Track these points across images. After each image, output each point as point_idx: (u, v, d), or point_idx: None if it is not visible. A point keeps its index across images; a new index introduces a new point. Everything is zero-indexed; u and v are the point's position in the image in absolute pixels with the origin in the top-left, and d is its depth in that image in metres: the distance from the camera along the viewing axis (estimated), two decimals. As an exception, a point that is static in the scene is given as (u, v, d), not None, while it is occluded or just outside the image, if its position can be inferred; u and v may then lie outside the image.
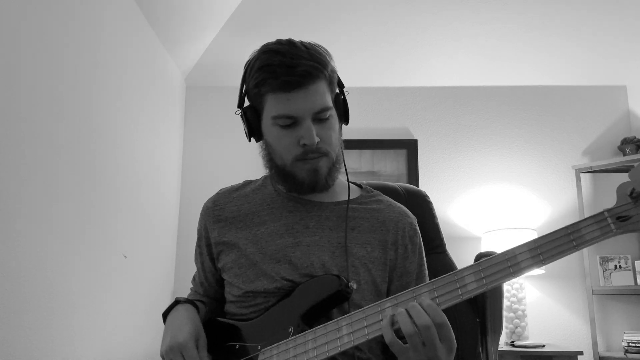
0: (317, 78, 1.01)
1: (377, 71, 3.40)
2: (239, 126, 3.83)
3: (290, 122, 1.03)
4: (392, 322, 0.88)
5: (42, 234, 1.80)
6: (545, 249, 0.84)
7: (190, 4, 2.85)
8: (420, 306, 0.86)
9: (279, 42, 1.04)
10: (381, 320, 0.89)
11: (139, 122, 2.66)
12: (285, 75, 0.99)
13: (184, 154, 3.40)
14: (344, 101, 1.10)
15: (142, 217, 2.67)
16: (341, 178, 1.17)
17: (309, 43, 1.06)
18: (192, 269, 1.32)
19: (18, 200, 1.67)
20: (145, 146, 2.74)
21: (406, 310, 0.86)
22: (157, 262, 2.91)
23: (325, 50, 1.07)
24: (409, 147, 3.38)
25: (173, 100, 3.25)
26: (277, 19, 3.12)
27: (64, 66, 1.95)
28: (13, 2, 1.65)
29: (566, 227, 0.84)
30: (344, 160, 1.11)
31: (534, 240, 0.86)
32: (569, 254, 0.83)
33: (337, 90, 1.10)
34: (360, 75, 3.40)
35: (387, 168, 3.36)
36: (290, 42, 1.04)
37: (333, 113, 1.06)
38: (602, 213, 0.82)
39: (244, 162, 3.33)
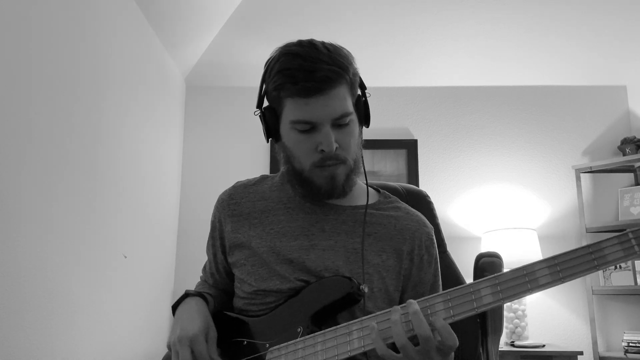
0: (337, 83, 0.99)
1: (377, 71, 3.40)
2: (239, 126, 3.80)
3: (309, 128, 1.00)
4: (384, 338, 0.88)
5: (42, 234, 1.80)
6: (565, 267, 0.82)
7: (190, 4, 2.85)
8: (432, 328, 0.85)
9: (299, 44, 1.02)
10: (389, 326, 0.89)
11: (139, 122, 2.66)
12: (304, 80, 0.97)
13: (184, 154, 3.40)
14: (365, 104, 1.08)
15: (142, 217, 2.66)
16: (360, 182, 1.16)
17: (331, 45, 1.03)
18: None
19: (18, 200, 1.67)
20: (145, 146, 2.74)
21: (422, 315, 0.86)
22: (157, 262, 2.91)
23: (348, 52, 1.05)
24: (409, 147, 3.38)
25: (173, 100, 3.25)
26: (277, 19, 3.12)
27: (63, 66, 1.95)
28: (13, 2, 1.65)
29: (588, 246, 0.82)
30: (363, 164, 1.09)
31: (554, 257, 0.84)
32: (590, 273, 0.81)
33: (360, 92, 1.08)
34: (360, 75, 3.39)
35: (387, 168, 3.36)
36: (311, 44, 1.01)
37: (353, 118, 1.04)
38: (626, 234, 0.80)
39: (244, 162, 3.34)
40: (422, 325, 0.84)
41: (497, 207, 3.29)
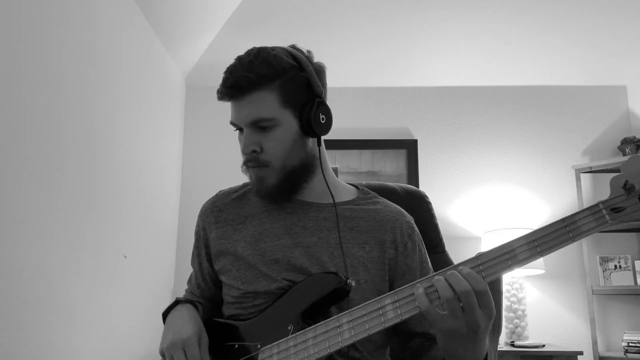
0: (251, 89, 1.02)
1: (377, 71, 3.40)
2: (239, 126, 3.74)
3: (238, 128, 1.08)
4: (426, 294, 0.87)
5: (43, 234, 1.80)
6: (542, 241, 0.86)
7: (190, 4, 2.85)
8: (460, 274, 0.85)
9: (246, 52, 1.07)
10: (413, 294, 0.88)
11: (139, 122, 2.66)
12: (221, 85, 1.04)
13: (184, 154, 3.41)
14: (308, 113, 1.05)
15: (142, 217, 2.67)
16: (339, 181, 1.19)
17: (269, 51, 1.04)
18: (191, 269, 1.32)
19: (19, 201, 1.67)
20: (146, 146, 2.74)
21: (444, 278, 0.85)
22: (157, 262, 2.92)
23: (293, 57, 1.05)
24: (409, 147, 3.39)
25: (173, 100, 3.25)
26: (277, 18, 3.12)
27: (64, 67, 1.95)
28: (13, 3, 1.65)
29: (562, 220, 0.86)
30: (322, 166, 1.10)
31: (532, 233, 0.87)
32: (566, 245, 0.85)
33: (316, 99, 1.06)
34: (360, 75, 3.40)
35: (387, 168, 3.36)
36: (246, 52, 1.06)
37: (282, 123, 1.04)
38: (596, 205, 0.85)
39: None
40: (460, 282, 0.84)
41: (497, 207, 3.29)
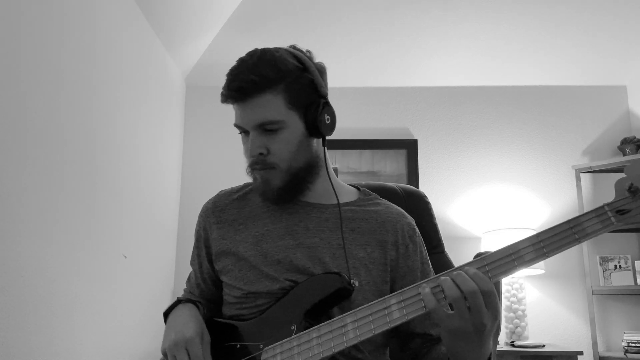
0: (257, 91, 1.01)
1: (377, 71, 3.40)
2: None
3: (242, 131, 1.08)
4: (433, 294, 0.87)
5: (43, 234, 1.80)
6: (548, 242, 0.87)
7: (190, 4, 2.85)
8: (466, 274, 0.85)
9: (248, 53, 1.05)
10: (419, 294, 0.88)
11: (139, 122, 2.67)
12: (225, 88, 1.04)
13: (184, 154, 3.41)
14: (314, 114, 1.05)
15: (142, 217, 2.67)
16: (340, 182, 1.19)
17: (273, 53, 1.03)
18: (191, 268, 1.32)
19: (18, 201, 1.67)
20: (146, 146, 2.74)
21: (451, 278, 0.85)
22: (157, 262, 2.92)
23: (296, 58, 1.05)
24: (409, 147, 3.39)
25: (173, 100, 3.25)
26: (277, 19, 3.12)
27: (63, 67, 1.95)
28: (13, 3, 1.65)
29: (568, 221, 0.87)
30: (327, 166, 1.11)
31: (537, 235, 0.88)
32: (572, 246, 0.86)
33: (319, 100, 1.06)
34: (360, 75, 3.40)
35: (387, 168, 3.36)
36: (249, 54, 1.04)
37: (288, 125, 1.04)
38: (602, 207, 0.86)
39: (244, 162, 3.34)
40: (467, 282, 0.84)
41: (497, 207, 3.29)
